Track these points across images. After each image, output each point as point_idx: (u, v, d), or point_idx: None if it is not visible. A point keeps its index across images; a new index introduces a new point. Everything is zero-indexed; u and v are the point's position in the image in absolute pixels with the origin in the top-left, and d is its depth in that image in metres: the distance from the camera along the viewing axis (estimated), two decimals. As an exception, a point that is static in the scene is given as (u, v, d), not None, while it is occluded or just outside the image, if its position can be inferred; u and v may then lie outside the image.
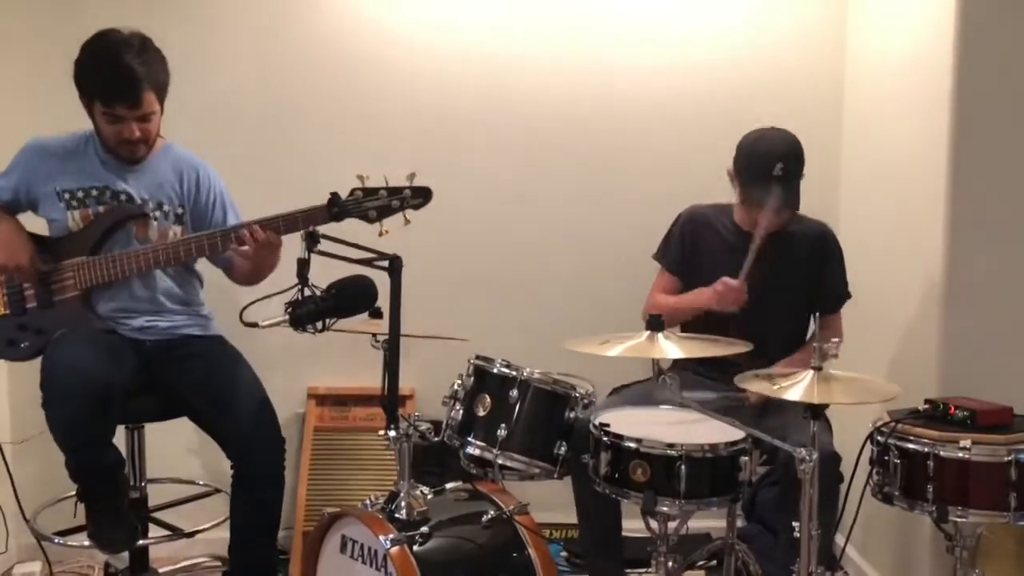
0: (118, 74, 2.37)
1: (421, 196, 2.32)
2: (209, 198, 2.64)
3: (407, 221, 2.33)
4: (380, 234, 2.31)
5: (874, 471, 2.17)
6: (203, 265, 2.74)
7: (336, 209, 2.32)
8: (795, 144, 2.60)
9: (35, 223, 2.63)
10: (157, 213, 2.56)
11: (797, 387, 2.01)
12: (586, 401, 2.38)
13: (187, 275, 2.68)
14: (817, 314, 2.02)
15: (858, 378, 2.11)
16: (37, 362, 2.44)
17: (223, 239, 2.44)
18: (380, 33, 3.24)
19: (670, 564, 2.19)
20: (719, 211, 2.78)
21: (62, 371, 2.30)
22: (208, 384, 2.53)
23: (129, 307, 2.56)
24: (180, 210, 2.60)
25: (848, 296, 2.76)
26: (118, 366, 2.39)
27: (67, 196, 2.52)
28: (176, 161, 2.62)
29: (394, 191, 2.31)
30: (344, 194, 2.33)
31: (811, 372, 2.04)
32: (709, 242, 2.76)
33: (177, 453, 2.98)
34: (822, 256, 2.72)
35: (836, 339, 2.08)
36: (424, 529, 2.22)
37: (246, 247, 2.40)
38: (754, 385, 2.08)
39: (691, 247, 2.77)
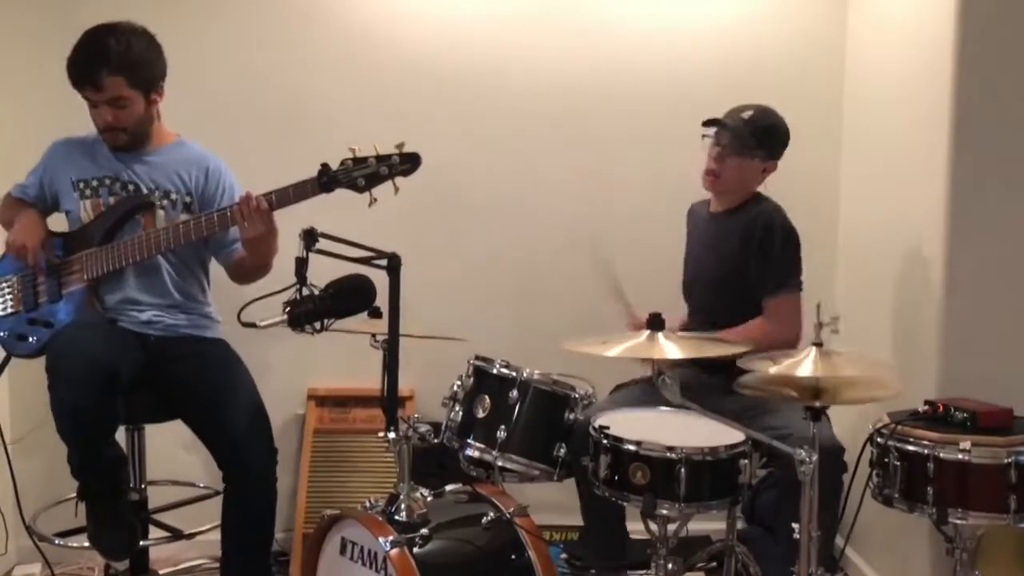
0: (80, 56, 2.46)
1: (410, 162, 2.31)
2: (218, 189, 2.66)
3: (396, 189, 2.32)
4: (369, 204, 2.31)
5: (874, 473, 2.17)
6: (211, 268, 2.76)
7: (325, 179, 2.33)
8: (773, 117, 2.68)
9: (58, 224, 2.68)
10: (165, 202, 2.59)
11: (804, 364, 2.02)
12: (586, 402, 2.37)
13: (195, 271, 2.69)
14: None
15: (857, 352, 2.13)
16: (39, 362, 2.45)
17: (220, 217, 2.45)
18: (385, 27, 3.23)
19: (670, 566, 2.19)
20: (704, 203, 2.90)
21: (69, 355, 2.31)
22: (203, 388, 2.52)
23: (136, 299, 2.58)
24: (188, 199, 2.62)
25: (790, 286, 2.62)
26: (124, 353, 2.40)
27: (81, 185, 2.59)
28: (186, 153, 2.67)
29: (383, 158, 2.31)
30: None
31: (813, 348, 2.05)
32: (693, 232, 2.92)
33: (177, 455, 2.98)
34: (765, 235, 2.64)
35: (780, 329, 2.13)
36: (424, 531, 2.21)
37: (245, 223, 2.41)
38: (757, 365, 2.10)
39: (688, 243, 2.94)
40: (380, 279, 2.34)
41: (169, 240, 2.48)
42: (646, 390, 2.49)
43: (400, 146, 2.31)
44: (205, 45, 3.17)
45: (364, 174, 2.31)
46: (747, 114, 2.66)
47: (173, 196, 2.60)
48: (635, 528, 2.36)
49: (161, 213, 2.58)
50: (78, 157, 2.63)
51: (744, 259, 2.65)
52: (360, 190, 2.32)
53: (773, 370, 2.05)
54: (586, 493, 2.60)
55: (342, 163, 2.34)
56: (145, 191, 2.59)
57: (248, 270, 2.63)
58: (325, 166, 2.34)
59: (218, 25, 3.19)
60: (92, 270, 2.53)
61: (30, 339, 2.56)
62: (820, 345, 2.05)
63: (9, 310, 2.60)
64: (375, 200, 2.32)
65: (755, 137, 2.65)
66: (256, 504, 2.49)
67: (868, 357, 2.15)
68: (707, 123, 2.71)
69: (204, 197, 2.64)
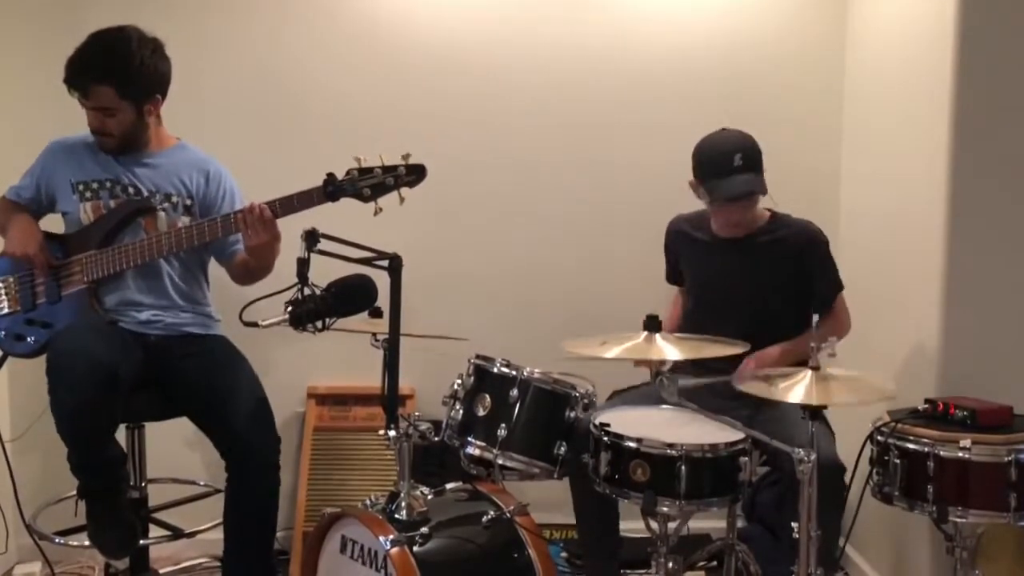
0: (76, 59, 2.46)
1: (415, 173, 2.32)
2: (218, 192, 2.66)
3: (402, 200, 2.33)
4: (375, 213, 2.32)
5: (874, 471, 2.17)
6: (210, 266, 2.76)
7: (331, 188, 2.33)
8: (750, 138, 2.61)
9: (56, 224, 2.68)
10: (166, 205, 2.59)
11: (796, 388, 2.00)
12: (586, 401, 2.38)
13: (195, 272, 2.69)
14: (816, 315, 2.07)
15: (856, 376, 2.11)
16: (37, 361, 2.45)
17: (223, 223, 2.46)
18: (385, 28, 3.23)
19: (670, 565, 2.19)
20: (698, 217, 2.82)
21: (69, 355, 2.30)
22: (207, 382, 2.53)
23: (136, 300, 2.58)
24: (188, 201, 2.62)
25: (840, 287, 2.71)
26: (123, 354, 2.40)
27: (80, 187, 2.59)
28: (187, 157, 2.67)
29: (389, 169, 2.31)
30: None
31: (809, 372, 2.04)
32: (689, 252, 2.82)
33: (177, 453, 2.98)
34: (810, 255, 2.67)
35: (833, 337, 2.08)
36: (424, 530, 2.22)
37: (249, 232, 2.41)
38: (751, 387, 2.08)
39: (675, 258, 2.88)
40: (381, 279, 2.34)
41: (172, 245, 2.49)
42: (644, 395, 2.50)
43: (406, 157, 2.32)
44: (210, 48, 3.17)
45: (369, 184, 2.31)
46: (738, 158, 2.53)
47: (174, 199, 2.61)
48: (635, 526, 2.36)
49: (162, 215, 2.59)
50: (77, 158, 2.62)
51: (792, 278, 2.65)
52: (365, 200, 2.33)
53: (770, 393, 2.03)
54: (579, 493, 2.60)
55: (347, 173, 2.34)
56: (145, 194, 2.59)
57: (250, 271, 2.63)
58: (331, 176, 2.34)
59: (222, 28, 3.19)
60: (92, 272, 2.53)
61: (28, 339, 2.56)
62: (816, 369, 2.03)
63: (6, 310, 2.60)
64: (380, 210, 2.32)
65: (759, 171, 2.58)
66: (259, 494, 2.49)
67: (865, 381, 2.12)
68: (743, 198, 2.59)
69: (205, 200, 2.65)
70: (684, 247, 2.84)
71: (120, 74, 2.46)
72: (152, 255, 2.50)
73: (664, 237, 2.89)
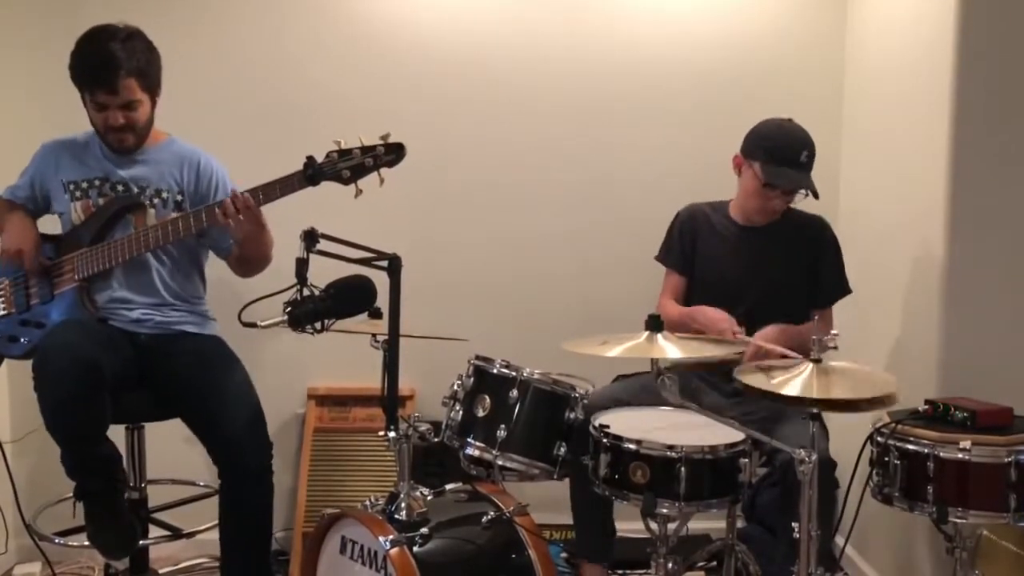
0: (96, 61, 2.44)
1: (394, 152, 2.31)
2: (210, 186, 2.66)
3: (382, 180, 2.32)
4: (355, 195, 2.31)
5: (874, 472, 2.17)
6: (207, 264, 2.77)
7: (311, 171, 2.34)
8: (808, 144, 2.65)
9: (52, 226, 2.68)
10: (156, 201, 2.60)
11: (795, 381, 2.00)
12: (586, 401, 2.37)
13: (187, 270, 2.69)
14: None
15: (857, 369, 2.10)
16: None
17: (207, 213, 2.45)
18: (379, 25, 3.24)
19: (670, 565, 2.19)
20: (714, 208, 2.84)
21: (52, 351, 2.32)
22: (198, 382, 2.52)
23: (127, 298, 2.58)
24: (179, 197, 2.62)
25: (847, 291, 2.75)
26: (110, 351, 2.40)
27: (72, 187, 2.60)
28: (177, 152, 2.66)
29: (367, 149, 2.31)
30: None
31: (810, 365, 2.03)
32: (707, 239, 2.82)
33: (177, 454, 2.97)
34: (818, 249, 2.73)
35: (835, 331, 2.08)
36: (424, 530, 2.22)
37: (231, 222, 2.41)
38: (751, 379, 2.08)
39: (691, 244, 2.83)
40: (381, 279, 2.34)
41: (158, 238, 2.48)
42: (647, 384, 2.49)
43: (385, 137, 2.31)
44: (206, 47, 3.18)
45: (349, 166, 2.31)
46: (804, 154, 2.61)
47: (164, 195, 2.60)
48: (635, 527, 2.36)
49: (152, 212, 2.59)
50: (68, 159, 2.63)
51: (802, 269, 2.69)
52: (345, 182, 2.32)
53: (768, 386, 2.03)
54: (576, 494, 2.60)
55: (327, 155, 2.34)
56: (135, 191, 2.59)
57: (248, 261, 2.64)
58: (311, 159, 2.35)
59: (219, 28, 3.20)
60: (83, 270, 2.54)
61: (22, 340, 2.56)
62: (818, 362, 2.03)
63: (0, 312, 2.60)
64: (360, 191, 2.32)
65: (810, 173, 2.65)
66: (253, 499, 2.49)
67: (867, 375, 2.11)
68: (792, 192, 2.65)
69: (197, 195, 2.64)
70: (704, 231, 2.83)
71: (140, 65, 2.48)
72: (139, 249, 2.50)
73: (675, 220, 2.87)
